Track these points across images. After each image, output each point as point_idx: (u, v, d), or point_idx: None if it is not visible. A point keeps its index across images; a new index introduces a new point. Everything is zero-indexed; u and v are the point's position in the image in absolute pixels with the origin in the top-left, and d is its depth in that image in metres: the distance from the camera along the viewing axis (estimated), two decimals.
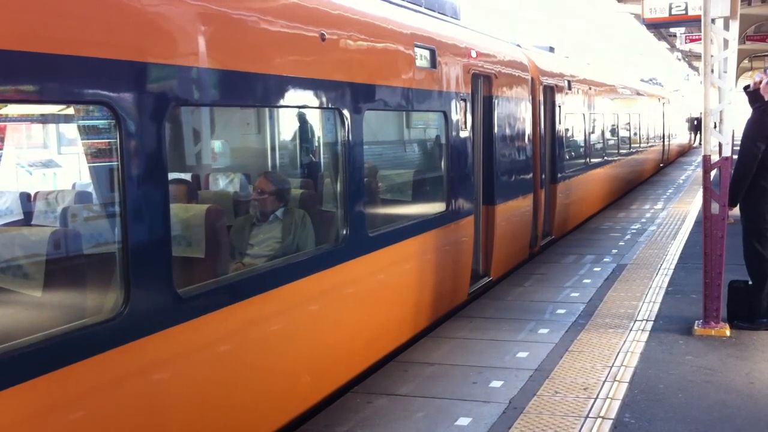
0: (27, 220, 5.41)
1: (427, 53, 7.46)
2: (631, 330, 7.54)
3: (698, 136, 41.06)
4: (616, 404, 5.69)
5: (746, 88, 7.74)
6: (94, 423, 3.75)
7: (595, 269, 10.54)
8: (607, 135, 17.88)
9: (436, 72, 7.63)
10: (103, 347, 3.74)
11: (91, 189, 5.36)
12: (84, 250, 4.40)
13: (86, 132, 4.72)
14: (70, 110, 4.79)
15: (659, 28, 20.16)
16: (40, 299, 3.96)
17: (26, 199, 5.58)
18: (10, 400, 3.29)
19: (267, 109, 7.17)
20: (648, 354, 6.81)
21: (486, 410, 5.68)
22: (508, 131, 10.03)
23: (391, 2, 7.37)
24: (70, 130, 5.99)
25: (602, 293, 9.09)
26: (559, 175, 12.84)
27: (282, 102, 5.46)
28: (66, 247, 4.25)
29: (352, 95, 6.02)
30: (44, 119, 6.14)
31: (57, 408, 3.54)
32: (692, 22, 15.74)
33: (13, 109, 5.10)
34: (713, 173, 7.55)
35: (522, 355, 6.90)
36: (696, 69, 39.51)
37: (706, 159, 7.43)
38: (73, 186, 6.07)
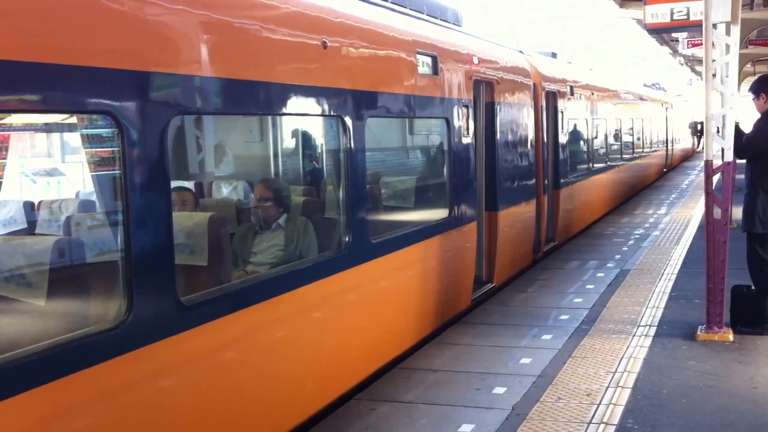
0: (31, 229, 5.43)
1: (429, 60, 7.48)
2: (634, 335, 7.54)
3: (701, 140, 41.00)
4: (619, 410, 5.68)
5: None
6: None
7: (599, 275, 10.53)
8: (610, 140, 17.88)
9: (438, 78, 7.65)
10: (107, 356, 3.75)
11: (94, 198, 5.38)
12: (87, 259, 4.42)
13: (89, 141, 4.74)
14: (74, 119, 4.82)
15: (661, 33, 20.15)
16: (44, 308, 3.97)
17: (30, 208, 5.60)
18: (14, 409, 3.30)
19: (269, 117, 7.19)
20: (651, 359, 6.81)
21: (489, 417, 5.68)
22: (510, 137, 10.05)
23: (393, 9, 7.40)
24: (74, 139, 6.01)
25: (605, 299, 9.08)
26: (562, 181, 12.85)
27: (284, 110, 5.48)
28: (69, 255, 4.26)
29: (354, 102, 6.04)
30: (48, 128, 6.17)
31: (61, 417, 3.56)
32: (694, 27, 15.74)
33: (17, 119, 5.13)
34: (716, 178, 7.55)
35: (525, 361, 6.89)
36: (699, 73, 39.49)
37: (708, 164, 7.44)
38: (77, 195, 6.10)
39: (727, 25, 7.75)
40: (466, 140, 8.38)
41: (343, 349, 6.01)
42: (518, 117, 10.43)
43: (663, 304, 8.75)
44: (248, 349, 4.89)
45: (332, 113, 5.85)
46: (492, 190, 9.36)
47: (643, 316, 8.23)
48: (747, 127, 7.81)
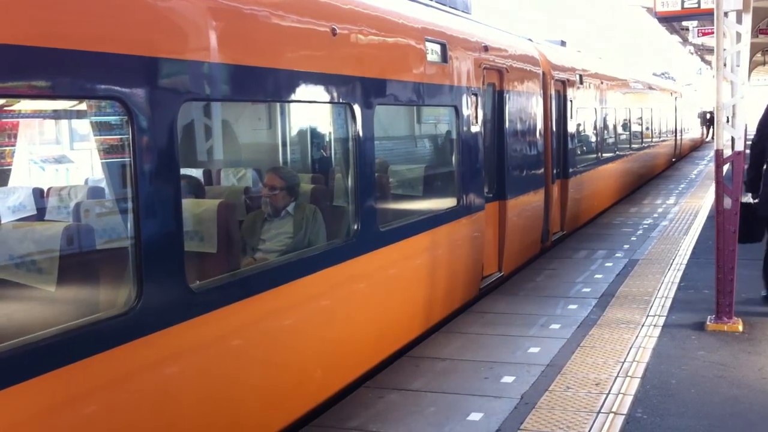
0: (40, 215, 5.43)
1: (438, 48, 7.45)
2: (643, 325, 7.52)
3: (710, 130, 40.84)
4: (629, 399, 5.68)
5: None
6: (108, 417, 3.77)
7: (607, 264, 10.51)
8: (619, 129, 17.81)
9: (447, 66, 7.62)
10: (117, 342, 3.76)
11: (103, 184, 5.38)
12: (97, 246, 4.42)
13: (98, 128, 4.74)
14: (83, 106, 4.81)
15: (671, 21, 20.02)
16: (54, 294, 3.98)
17: (39, 194, 5.60)
18: (24, 394, 3.31)
19: (278, 104, 7.17)
20: (660, 349, 6.79)
21: (498, 405, 5.68)
22: (519, 126, 10.01)
23: None
24: (83, 125, 6.01)
25: (614, 288, 9.06)
26: (571, 170, 12.81)
27: (293, 97, 5.46)
28: (79, 242, 4.27)
29: (362, 90, 6.02)
30: (57, 115, 6.16)
31: (71, 402, 3.57)
32: (705, 16, 15.64)
33: (26, 105, 5.12)
34: (726, 168, 7.52)
35: (534, 350, 6.89)
36: (708, 63, 39.25)
37: (718, 153, 7.39)
38: (86, 182, 6.09)
39: (739, 13, 7.69)
40: (474, 129, 8.35)
41: (351, 337, 6.01)
42: (527, 105, 10.39)
43: (672, 294, 8.73)
44: (257, 337, 4.89)
45: (341, 101, 5.83)
46: (501, 179, 9.34)
47: (651, 306, 8.21)
48: (756, 117, 7.80)
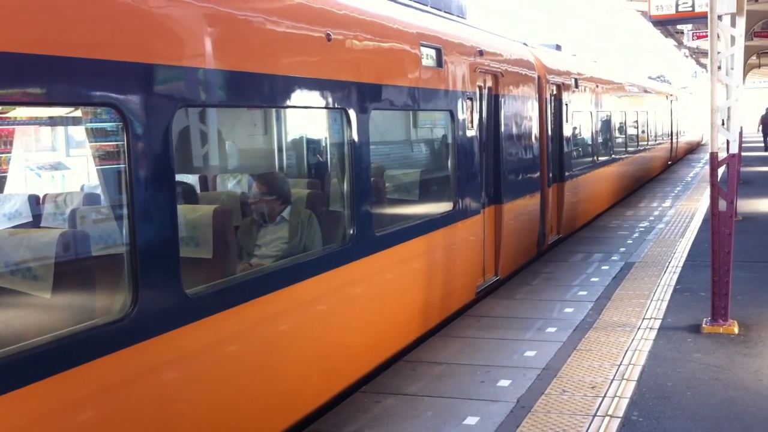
0: (36, 222, 5.44)
1: (433, 52, 7.46)
2: (639, 328, 7.53)
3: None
4: (624, 402, 5.69)
5: None
6: (104, 423, 3.77)
7: (603, 267, 10.52)
8: (615, 133, 17.85)
9: (443, 71, 7.63)
10: (113, 348, 3.76)
11: (99, 191, 5.38)
12: (93, 252, 4.42)
13: (94, 134, 4.74)
14: (78, 113, 4.82)
15: (666, 25, 20.08)
16: (50, 301, 3.98)
17: (35, 201, 5.60)
18: (20, 400, 3.31)
19: (273, 110, 7.18)
20: (656, 352, 6.81)
21: (494, 409, 5.69)
22: (514, 130, 10.03)
23: (397, 2, 7.38)
24: (78, 132, 6.01)
25: (610, 291, 9.08)
26: (567, 174, 12.83)
27: (288, 102, 5.48)
28: (75, 248, 4.27)
29: (358, 95, 6.04)
30: (52, 122, 6.17)
31: (67, 409, 3.57)
32: (699, 19, 15.71)
33: (21, 112, 5.13)
34: (721, 170, 7.54)
35: (530, 353, 6.90)
36: (704, 66, 39.35)
37: (713, 156, 7.42)
38: (82, 188, 6.10)
39: (733, 16, 7.73)
40: (470, 133, 8.36)
41: (347, 341, 6.01)
42: (522, 109, 10.41)
43: (668, 296, 8.74)
44: (253, 342, 4.89)
45: (336, 106, 5.84)
46: (496, 183, 9.35)
47: (648, 309, 8.22)
48: (749, 120, 7.82)
